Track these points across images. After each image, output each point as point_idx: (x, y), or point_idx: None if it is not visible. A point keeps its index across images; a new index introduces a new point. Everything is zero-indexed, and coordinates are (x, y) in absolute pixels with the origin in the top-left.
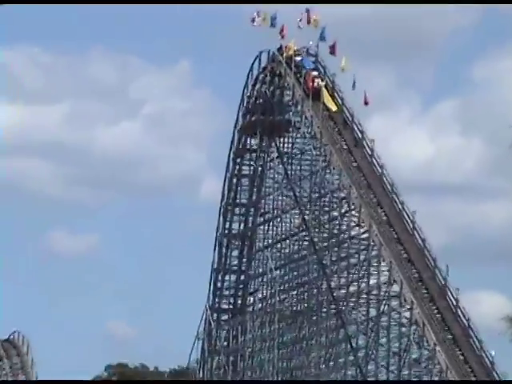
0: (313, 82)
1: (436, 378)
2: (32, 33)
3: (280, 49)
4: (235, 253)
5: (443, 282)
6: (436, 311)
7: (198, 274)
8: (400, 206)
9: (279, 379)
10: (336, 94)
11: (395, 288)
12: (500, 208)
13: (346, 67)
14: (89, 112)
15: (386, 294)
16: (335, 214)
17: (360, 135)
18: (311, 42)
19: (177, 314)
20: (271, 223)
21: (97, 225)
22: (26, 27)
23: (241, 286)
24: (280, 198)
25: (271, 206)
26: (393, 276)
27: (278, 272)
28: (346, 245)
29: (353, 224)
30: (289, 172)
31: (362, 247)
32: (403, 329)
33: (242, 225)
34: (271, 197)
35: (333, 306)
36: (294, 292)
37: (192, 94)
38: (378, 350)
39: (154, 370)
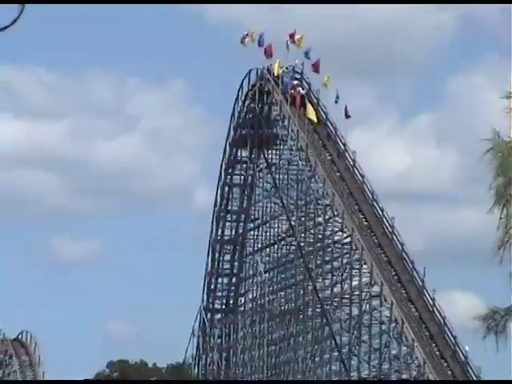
0: (294, 89)
1: (414, 373)
2: (37, 54)
3: (268, 67)
4: (227, 257)
5: (420, 284)
6: (414, 310)
7: (192, 277)
8: (380, 213)
9: (269, 373)
10: (320, 109)
11: (376, 289)
12: (472, 214)
13: (329, 84)
14: (89, 127)
15: (368, 295)
16: (320, 220)
17: (342, 147)
18: (297, 61)
19: (173, 313)
20: (260, 229)
21: (97, 231)
22: (32, 49)
23: (233, 288)
24: (269, 205)
25: (260, 213)
26: (374, 278)
27: (267, 274)
28: (330, 249)
29: (336, 229)
30: (277, 181)
31: (345, 251)
32: (383, 326)
33: (234, 231)
34: (260, 204)
35: (318, 306)
36: (282, 293)
37: (186, 109)
38: (360, 346)
39: (153, 366)
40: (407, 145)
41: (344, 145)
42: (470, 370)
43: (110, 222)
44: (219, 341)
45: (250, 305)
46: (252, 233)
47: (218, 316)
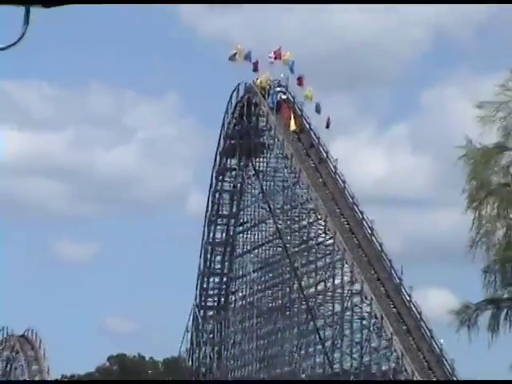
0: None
1: (393, 364)
2: (40, 69)
3: (255, 81)
4: (219, 258)
5: (398, 281)
6: (392, 306)
7: (186, 277)
8: (360, 216)
9: (258, 366)
10: (304, 120)
11: (357, 286)
12: (447, 217)
13: (311, 96)
14: (89, 137)
15: (349, 292)
16: (304, 223)
17: (325, 155)
18: (282, 75)
19: (168, 311)
20: (249, 232)
21: (97, 234)
22: (35, 65)
23: (224, 287)
24: (257, 209)
25: (249, 217)
26: (355, 276)
27: (255, 274)
28: (314, 250)
29: (320, 232)
30: (264, 187)
31: (328, 252)
32: (364, 321)
33: (224, 233)
34: (249, 209)
35: (303, 303)
36: (270, 291)
37: (179, 121)
38: (342, 340)
39: (150, 360)
40: (385, 152)
41: (326, 153)
42: (444, 362)
43: (108, 226)
44: (211, 336)
45: (240, 302)
46: (241, 235)
47: (211, 313)
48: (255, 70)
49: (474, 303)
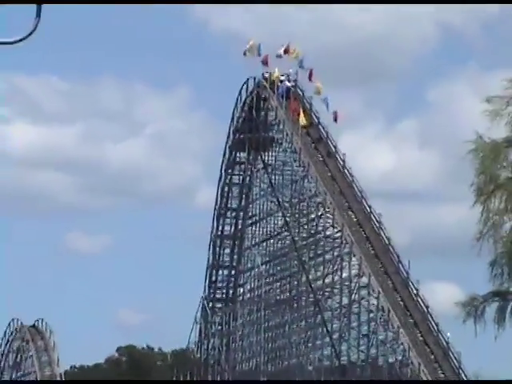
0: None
1: (400, 357)
2: (52, 64)
3: (264, 75)
4: (227, 251)
5: (405, 275)
6: (399, 299)
7: (195, 269)
8: (368, 210)
9: (265, 358)
10: (313, 114)
11: (364, 280)
12: (453, 211)
13: (320, 91)
14: (100, 131)
15: (357, 285)
16: (313, 216)
17: (333, 149)
18: (291, 70)
19: (177, 303)
20: (258, 225)
21: (108, 227)
22: (47, 60)
23: (232, 279)
24: (265, 203)
25: (258, 211)
26: (362, 269)
27: (263, 267)
28: (322, 243)
29: (328, 225)
30: (273, 181)
31: (336, 245)
32: (371, 314)
33: (233, 227)
34: (258, 202)
35: (311, 296)
36: (278, 284)
37: (189, 115)
38: (349, 333)
39: (158, 351)
40: (393, 147)
41: (335, 147)
42: (451, 355)
43: (119, 219)
44: (220, 328)
45: (248, 295)
46: (250, 228)
47: (219, 305)
48: (265, 64)
49: (480, 295)
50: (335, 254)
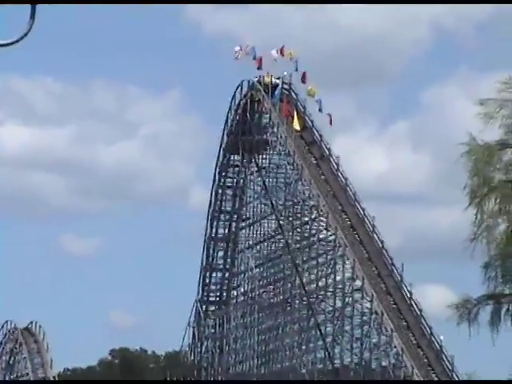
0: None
1: (393, 360)
2: (44, 66)
3: (258, 78)
4: (221, 253)
5: (399, 278)
6: (392, 302)
7: (188, 272)
8: (361, 213)
9: (258, 361)
10: (306, 117)
11: (358, 283)
12: (446, 214)
13: (314, 94)
14: (93, 133)
15: (350, 288)
16: (306, 219)
17: (327, 152)
18: (285, 73)
19: (171, 305)
20: (251, 228)
21: (101, 229)
22: (40, 61)
23: (226, 282)
24: (259, 206)
25: (251, 213)
26: (355, 273)
27: (257, 269)
28: (315, 246)
29: (321, 228)
30: (266, 184)
31: (329, 248)
32: (364, 318)
33: (227, 229)
34: (251, 205)
35: (304, 299)
36: (271, 286)
37: (182, 117)
38: (343, 336)
39: (151, 354)
40: (386, 150)
41: (328, 150)
42: (444, 358)
43: (112, 221)
44: (213, 331)
45: (242, 297)
46: (243, 231)
47: (212, 308)
48: (259, 67)
49: (474, 297)
50: (328, 257)
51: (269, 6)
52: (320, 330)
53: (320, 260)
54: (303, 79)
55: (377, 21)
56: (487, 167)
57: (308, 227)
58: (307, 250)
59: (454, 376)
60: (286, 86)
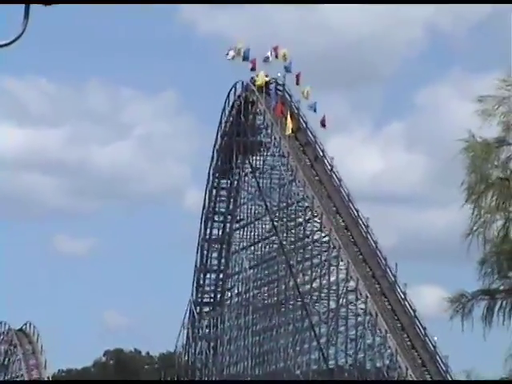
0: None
1: (387, 361)
2: (38, 66)
3: (252, 79)
4: (215, 254)
5: (393, 279)
6: (387, 303)
7: (183, 273)
8: (355, 213)
9: (253, 362)
10: (300, 118)
11: (352, 284)
12: (441, 214)
13: (308, 95)
14: (87, 134)
15: (344, 289)
16: (300, 220)
17: (321, 153)
18: (279, 74)
19: (165, 306)
20: (246, 229)
21: (95, 230)
22: (33, 62)
23: (220, 283)
24: (253, 207)
25: (245, 214)
26: (350, 274)
27: (251, 271)
28: (309, 247)
29: (315, 229)
30: (260, 185)
31: (324, 249)
32: (359, 318)
33: (221, 230)
34: (245, 206)
35: (298, 300)
36: (266, 288)
37: (176, 118)
38: (337, 337)
39: (146, 355)
40: (380, 150)
41: (322, 151)
42: (438, 359)
43: (106, 221)
44: (207, 332)
45: (236, 299)
46: (238, 232)
47: (207, 309)
48: (253, 68)
49: (469, 292)
50: (323, 258)
51: (263, 6)
52: (314, 331)
53: (314, 261)
54: (297, 80)
55: (371, 22)
56: (485, 164)
57: (302, 228)
58: (301, 251)
59: (448, 376)
60: (279, 87)
